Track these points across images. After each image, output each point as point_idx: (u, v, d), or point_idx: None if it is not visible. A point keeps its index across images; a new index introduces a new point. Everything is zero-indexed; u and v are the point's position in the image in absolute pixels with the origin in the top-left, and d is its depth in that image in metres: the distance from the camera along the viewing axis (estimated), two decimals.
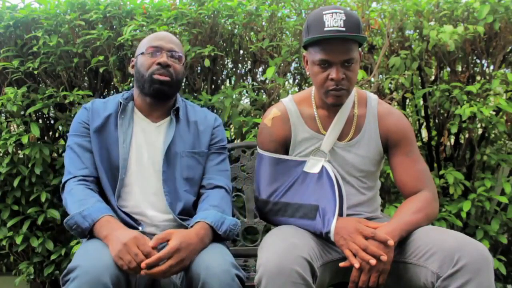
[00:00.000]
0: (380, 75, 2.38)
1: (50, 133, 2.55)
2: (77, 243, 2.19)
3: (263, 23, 2.39)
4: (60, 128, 2.47)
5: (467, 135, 2.34)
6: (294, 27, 2.35)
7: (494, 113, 2.26)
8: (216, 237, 1.37)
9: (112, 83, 2.46)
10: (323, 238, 1.38)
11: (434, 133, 2.45)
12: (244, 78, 2.58)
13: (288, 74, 2.55)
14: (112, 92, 2.53)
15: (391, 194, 2.39)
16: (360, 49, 1.43)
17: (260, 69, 2.52)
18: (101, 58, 2.23)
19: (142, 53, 1.50)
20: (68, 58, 2.36)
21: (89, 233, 1.30)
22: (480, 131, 2.37)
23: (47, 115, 2.53)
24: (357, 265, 1.24)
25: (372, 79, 2.29)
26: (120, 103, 1.51)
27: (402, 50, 2.28)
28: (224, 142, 1.61)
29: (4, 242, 2.33)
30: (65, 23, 2.29)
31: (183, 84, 2.46)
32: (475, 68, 2.40)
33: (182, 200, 1.47)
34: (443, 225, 2.11)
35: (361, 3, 2.30)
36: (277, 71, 2.29)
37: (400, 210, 1.39)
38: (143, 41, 1.54)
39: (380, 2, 2.32)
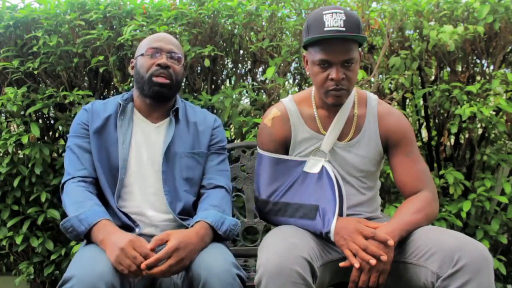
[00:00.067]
0: (380, 75, 2.38)
1: (50, 133, 2.55)
2: (77, 243, 2.19)
3: (263, 23, 2.39)
4: (60, 128, 2.47)
5: (467, 135, 2.34)
6: (294, 27, 2.35)
7: (494, 113, 2.26)
8: (216, 237, 1.37)
9: (112, 83, 2.46)
10: (323, 238, 1.38)
11: (434, 133, 2.45)
12: (244, 78, 2.58)
13: (288, 74, 2.55)
14: (112, 92, 2.53)
15: (391, 194, 2.39)
16: (360, 49, 1.43)
17: (260, 69, 2.52)
18: (101, 58, 2.23)
19: (142, 54, 1.51)
20: (68, 58, 2.36)
21: (86, 237, 1.30)
22: (480, 131, 2.37)
23: (47, 115, 2.53)
24: (357, 265, 1.24)
25: (372, 79, 2.29)
26: (120, 104, 1.52)
27: (402, 50, 2.28)
28: (224, 142, 1.62)
29: (4, 242, 2.33)
30: (65, 23, 2.29)
31: (183, 84, 2.46)
32: (475, 68, 2.40)
33: (182, 200, 1.47)
34: (443, 225, 2.11)
35: (361, 3, 2.30)
36: (277, 71, 2.29)
37: (400, 210, 1.39)
38: (143, 42, 1.55)
39: (380, 2, 2.32)
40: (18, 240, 2.29)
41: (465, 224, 2.26)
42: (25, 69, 2.32)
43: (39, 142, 2.31)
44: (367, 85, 2.32)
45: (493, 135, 2.40)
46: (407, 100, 2.53)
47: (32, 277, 2.39)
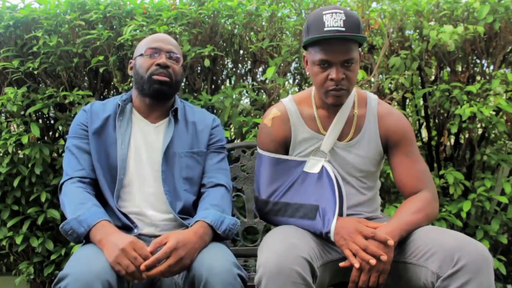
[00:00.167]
0: (380, 75, 2.38)
1: (50, 133, 2.55)
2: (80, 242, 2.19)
3: (263, 23, 2.39)
4: (60, 128, 2.47)
5: (467, 135, 2.34)
6: (294, 27, 2.35)
7: (494, 113, 2.26)
8: (216, 236, 1.37)
9: (112, 83, 2.46)
10: (323, 238, 1.38)
11: (434, 133, 2.45)
12: (244, 78, 2.58)
13: (288, 74, 2.55)
14: (112, 92, 2.53)
15: (391, 194, 2.39)
16: (360, 49, 1.43)
17: (260, 69, 2.52)
18: (101, 58, 2.23)
19: (141, 55, 1.51)
20: (68, 58, 2.36)
21: (85, 238, 1.30)
22: (480, 131, 2.37)
23: (47, 115, 2.53)
24: (357, 265, 1.24)
25: (372, 79, 2.29)
26: (119, 105, 1.52)
27: (402, 50, 2.28)
28: (223, 142, 1.62)
29: (4, 242, 2.33)
30: (65, 23, 2.29)
31: (183, 84, 2.46)
32: (475, 68, 2.40)
33: (182, 199, 1.47)
34: (443, 225, 2.11)
35: (361, 3, 2.30)
36: (277, 71, 2.29)
37: (400, 210, 1.39)
38: (141, 43, 1.55)
39: (380, 2, 2.32)
40: (18, 240, 2.29)
41: (465, 224, 2.26)
42: (25, 69, 2.32)
43: (39, 142, 2.31)
44: (367, 85, 2.32)
45: (493, 135, 2.40)
46: (407, 100, 2.53)
47: (32, 277, 2.39)
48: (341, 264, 1.29)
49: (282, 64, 2.32)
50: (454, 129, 2.20)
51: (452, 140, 2.46)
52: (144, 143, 1.50)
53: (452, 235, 1.25)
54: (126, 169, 1.46)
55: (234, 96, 2.27)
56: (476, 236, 2.18)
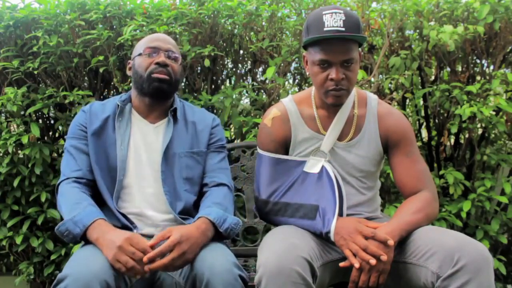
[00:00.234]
0: (380, 75, 2.38)
1: (50, 133, 2.55)
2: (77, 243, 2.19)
3: (263, 23, 2.39)
4: (60, 128, 2.47)
5: (467, 135, 2.34)
6: (294, 27, 2.35)
7: (494, 113, 2.27)
8: (217, 235, 1.37)
9: (112, 83, 2.46)
10: (323, 238, 1.38)
11: (434, 133, 2.45)
12: (244, 78, 2.58)
13: (288, 74, 2.55)
14: (112, 92, 2.53)
15: (391, 194, 2.39)
16: (360, 49, 1.43)
17: (260, 69, 2.52)
18: (101, 58, 2.23)
19: (140, 54, 1.51)
20: (68, 58, 2.36)
21: (82, 239, 1.29)
22: (480, 131, 2.37)
23: (47, 115, 2.53)
24: (357, 265, 1.24)
25: (372, 79, 2.29)
26: (118, 105, 1.52)
27: (402, 50, 2.28)
28: (223, 141, 1.62)
29: (4, 242, 2.33)
30: (65, 23, 2.29)
31: (183, 84, 2.46)
32: (475, 68, 2.40)
33: (183, 199, 1.47)
34: (443, 225, 2.11)
35: (361, 3, 2.30)
36: (277, 71, 2.29)
37: (400, 210, 1.39)
38: (140, 42, 1.55)
39: (380, 2, 2.32)
40: (18, 240, 2.29)
41: (465, 224, 2.26)
42: (25, 69, 2.32)
43: (39, 142, 2.31)
44: (367, 85, 2.32)
45: (493, 135, 2.40)
46: (407, 100, 2.53)
47: (32, 277, 2.39)
48: (341, 264, 1.29)
49: (282, 64, 2.32)
50: (454, 129, 2.20)
51: (452, 140, 2.46)
52: (143, 144, 1.50)
53: (452, 235, 1.25)
54: (125, 170, 1.46)
55: (234, 96, 2.27)
56: (476, 236, 2.18)
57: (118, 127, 1.49)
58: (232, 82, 2.57)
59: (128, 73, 1.58)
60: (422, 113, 2.45)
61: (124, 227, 1.38)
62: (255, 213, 1.78)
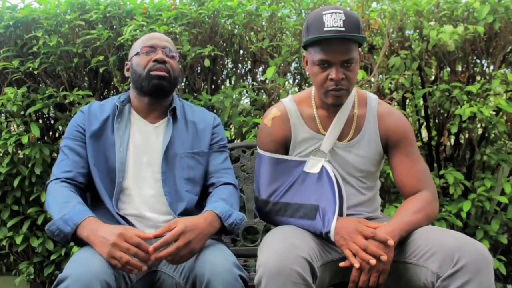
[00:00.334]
0: (380, 75, 2.38)
1: (50, 133, 2.55)
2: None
3: (263, 23, 2.39)
4: (60, 128, 2.47)
5: (467, 135, 2.34)
6: (294, 27, 2.35)
7: (494, 113, 2.27)
8: (222, 229, 1.37)
9: (112, 83, 2.46)
10: (323, 238, 1.38)
11: (434, 133, 2.45)
12: (244, 78, 2.58)
13: (288, 74, 2.55)
14: (112, 92, 2.53)
15: (391, 194, 2.39)
16: (360, 49, 1.43)
17: (260, 69, 2.52)
18: (101, 58, 2.23)
19: (137, 54, 1.51)
20: (68, 58, 2.36)
21: (73, 237, 1.28)
22: (480, 131, 2.37)
23: (47, 115, 2.53)
24: (357, 265, 1.24)
25: (372, 79, 2.29)
26: (117, 106, 1.51)
27: (402, 50, 2.28)
28: (225, 140, 1.62)
29: (4, 242, 2.34)
30: (65, 23, 2.29)
31: (183, 84, 2.46)
32: (475, 68, 2.40)
33: (184, 200, 1.47)
34: (443, 225, 2.11)
35: (361, 3, 2.30)
36: (277, 71, 2.29)
37: (400, 210, 1.39)
38: (136, 42, 1.55)
39: (380, 2, 2.32)
40: (18, 240, 2.29)
41: (465, 224, 2.26)
42: (25, 69, 2.32)
43: (39, 142, 2.31)
44: (367, 85, 2.32)
45: (493, 135, 2.40)
46: (407, 100, 2.53)
47: (32, 277, 2.39)
48: (341, 264, 1.29)
49: (282, 64, 2.32)
50: (454, 129, 2.20)
51: (452, 140, 2.46)
52: (143, 144, 1.49)
53: (452, 235, 1.25)
54: (125, 172, 1.45)
55: (234, 96, 2.27)
56: (476, 236, 2.18)
57: (117, 129, 1.48)
58: (232, 82, 2.57)
59: (127, 74, 1.58)
60: (422, 113, 2.45)
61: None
62: (255, 213, 1.78)
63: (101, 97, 2.50)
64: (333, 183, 1.41)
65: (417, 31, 2.33)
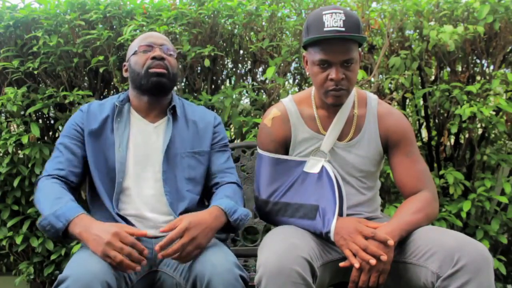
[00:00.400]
0: (380, 75, 2.38)
1: (50, 133, 2.55)
2: (77, 243, 2.19)
3: (263, 23, 2.39)
4: (60, 128, 2.47)
5: (467, 135, 2.34)
6: (294, 27, 2.35)
7: (494, 113, 2.27)
8: (226, 226, 1.37)
9: (112, 83, 2.47)
10: (323, 238, 1.38)
11: (434, 133, 2.45)
12: (244, 78, 2.58)
13: (288, 74, 2.55)
14: (112, 92, 2.53)
15: (391, 194, 2.39)
16: (360, 49, 1.43)
17: (260, 69, 2.52)
18: (101, 58, 2.23)
19: (135, 53, 1.50)
20: (68, 58, 2.37)
21: (63, 234, 1.27)
22: (480, 131, 2.37)
23: (47, 115, 2.53)
24: (357, 265, 1.24)
25: (372, 79, 2.29)
26: (116, 105, 1.50)
27: (402, 50, 2.28)
28: (226, 139, 1.62)
29: (4, 242, 2.33)
30: (65, 23, 2.29)
31: (183, 84, 2.47)
32: (475, 68, 2.40)
33: (186, 200, 1.46)
34: (443, 225, 2.11)
35: (361, 3, 2.30)
36: (277, 71, 2.29)
37: (400, 210, 1.39)
38: (133, 43, 1.55)
39: (380, 2, 2.32)
40: (18, 240, 2.29)
41: (465, 224, 2.26)
42: (25, 69, 2.32)
43: (39, 142, 2.31)
44: (367, 85, 2.32)
45: (493, 135, 2.40)
46: (407, 100, 2.53)
47: (32, 277, 2.39)
48: (341, 264, 1.29)
49: (282, 64, 2.32)
50: (454, 129, 2.20)
51: (452, 140, 2.46)
52: (143, 144, 1.49)
53: (452, 235, 1.25)
54: (125, 172, 1.44)
55: (234, 96, 2.27)
56: (476, 236, 2.18)
57: (117, 128, 1.48)
58: (232, 82, 2.57)
59: (125, 74, 1.57)
60: (422, 113, 2.45)
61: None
62: (255, 213, 1.78)
63: (101, 97, 2.50)
64: (333, 183, 1.41)
65: (417, 31, 2.33)
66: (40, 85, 2.45)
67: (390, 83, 2.27)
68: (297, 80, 2.64)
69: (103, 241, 1.19)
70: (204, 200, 1.58)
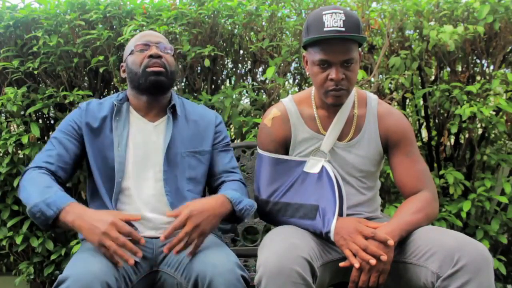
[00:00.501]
0: (380, 75, 2.38)
1: (50, 133, 2.55)
2: (77, 243, 2.19)
3: (263, 23, 2.39)
4: None
5: (467, 135, 2.34)
6: (294, 27, 2.35)
7: (494, 113, 2.27)
8: (232, 216, 1.37)
9: (112, 83, 2.46)
10: (323, 238, 1.38)
11: (434, 133, 2.45)
12: (244, 78, 2.58)
13: (288, 74, 2.55)
14: (112, 92, 2.53)
15: (391, 194, 2.39)
16: (360, 49, 1.43)
17: (260, 69, 2.52)
18: (101, 58, 2.23)
19: (131, 53, 1.50)
20: (68, 58, 2.37)
21: (53, 222, 1.25)
22: (480, 131, 2.37)
23: (47, 115, 2.53)
24: (357, 265, 1.24)
25: (372, 79, 2.29)
26: (115, 104, 1.50)
27: (402, 50, 2.28)
28: (228, 138, 1.62)
29: (4, 242, 2.33)
30: (65, 23, 2.29)
31: (183, 84, 2.47)
32: (475, 68, 2.40)
33: (186, 200, 1.44)
34: (443, 225, 2.11)
35: (361, 3, 2.30)
36: (277, 71, 2.29)
37: (400, 210, 1.39)
38: (129, 43, 1.55)
39: (380, 2, 2.32)
40: (18, 240, 2.29)
41: (465, 224, 2.26)
42: (25, 69, 2.32)
43: (39, 142, 2.31)
44: (367, 85, 2.32)
45: (493, 135, 2.40)
46: (407, 100, 2.53)
47: (32, 277, 2.39)
48: (341, 264, 1.29)
49: (282, 64, 2.32)
50: (454, 129, 2.20)
51: (452, 140, 2.46)
52: (143, 143, 1.48)
53: (452, 235, 1.25)
54: (124, 172, 1.43)
55: (234, 96, 2.27)
56: (476, 236, 2.18)
57: (115, 128, 1.47)
58: (232, 82, 2.57)
59: (123, 75, 1.56)
60: (422, 113, 2.45)
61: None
62: (255, 213, 1.78)
63: (101, 97, 2.50)
64: (333, 183, 1.41)
65: (417, 31, 2.33)
66: (40, 85, 2.45)
67: (390, 83, 2.27)
68: (297, 80, 2.64)
69: (100, 231, 1.19)
70: None
